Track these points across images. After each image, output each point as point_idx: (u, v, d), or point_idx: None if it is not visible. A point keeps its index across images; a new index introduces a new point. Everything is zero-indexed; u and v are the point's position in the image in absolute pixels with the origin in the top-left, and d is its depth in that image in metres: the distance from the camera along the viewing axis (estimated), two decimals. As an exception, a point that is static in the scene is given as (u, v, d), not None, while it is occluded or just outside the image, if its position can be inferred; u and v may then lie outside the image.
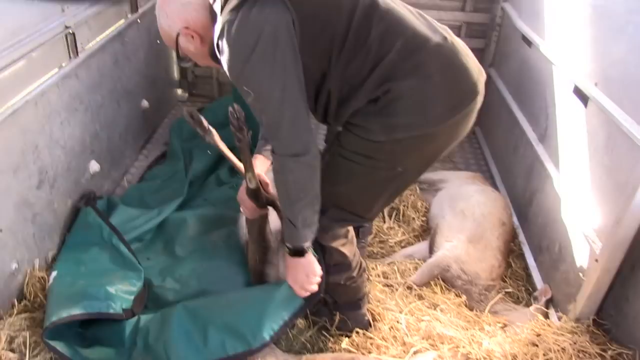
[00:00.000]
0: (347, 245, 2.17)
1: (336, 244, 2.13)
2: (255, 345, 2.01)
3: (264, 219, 2.31)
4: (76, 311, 2.16)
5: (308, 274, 1.99)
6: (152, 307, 2.40)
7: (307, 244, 1.92)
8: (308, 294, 2.06)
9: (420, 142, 1.85)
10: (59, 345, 2.09)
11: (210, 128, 2.08)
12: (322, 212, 1.98)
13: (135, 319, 2.24)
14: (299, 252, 1.93)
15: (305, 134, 1.73)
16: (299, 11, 1.63)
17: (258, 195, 2.13)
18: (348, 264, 2.20)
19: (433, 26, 1.81)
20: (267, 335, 2.04)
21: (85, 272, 2.42)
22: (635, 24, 2.12)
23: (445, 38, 1.77)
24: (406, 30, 1.72)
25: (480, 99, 1.88)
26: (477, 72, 1.86)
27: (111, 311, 2.21)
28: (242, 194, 2.17)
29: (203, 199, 3.17)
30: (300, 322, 2.40)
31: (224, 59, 1.67)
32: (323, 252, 2.15)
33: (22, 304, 2.34)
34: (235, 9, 1.62)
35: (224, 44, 1.65)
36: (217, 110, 3.58)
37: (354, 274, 2.25)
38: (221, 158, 3.11)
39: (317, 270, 2.00)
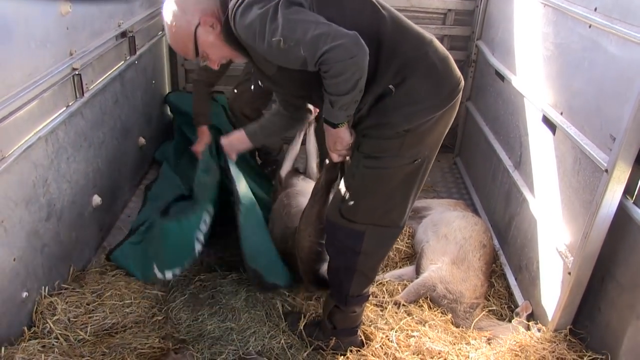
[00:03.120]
0: (372, 279, 2.39)
1: (369, 273, 2.35)
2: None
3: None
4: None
5: (335, 142, 2.17)
6: None
7: (338, 121, 2.04)
8: (339, 158, 2.29)
9: (431, 128, 2.06)
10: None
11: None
12: (361, 236, 2.21)
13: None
14: (331, 125, 2.07)
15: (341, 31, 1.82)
16: None
17: None
18: (367, 296, 2.43)
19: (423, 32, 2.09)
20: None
21: None
22: (590, 60, 2.37)
23: (433, 38, 2.07)
24: (412, 27, 2.02)
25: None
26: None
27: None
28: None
29: None
30: (297, 342, 2.55)
31: (247, 18, 1.84)
32: (350, 283, 2.33)
33: (31, 330, 2.45)
34: None
35: (244, 7, 1.84)
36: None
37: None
38: None
39: (345, 139, 2.15)
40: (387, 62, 1.96)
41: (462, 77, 2.11)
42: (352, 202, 2.17)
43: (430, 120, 2.03)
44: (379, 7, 1.98)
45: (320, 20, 1.83)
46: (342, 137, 2.13)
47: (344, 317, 2.44)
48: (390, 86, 1.97)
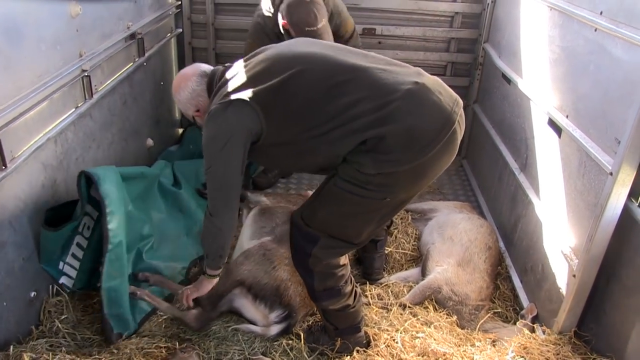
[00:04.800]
0: (338, 275, 2.36)
1: (328, 271, 2.33)
2: None
3: None
4: None
5: (196, 290, 2.55)
6: None
7: (209, 272, 2.46)
8: (187, 302, 2.57)
9: (407, 175, 2.07)
10: None
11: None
12: (315, 241, 2.24)
13: None
14: (207, 275, 2.48)
15: (225, 207, 2.23)
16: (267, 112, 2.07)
17: None
18: (337, 290, 2.38)
19: (401, 76, 2.08)
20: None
21: None
22: (595, 63, 2.38)
23: (415, 82, 2.04)
24: (371, 90, 2.05)
25: (459, 127, 2.08)
26: (452, 103, 2.08)
27: None
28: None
29: None
30: (298, 344, 2.55)
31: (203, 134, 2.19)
32: (312, 278, 2.35)
33: (39, 329, 2.47)
34: (215, 109, 2.13)
35: (205, 126, 2.18)
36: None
37: (350, 301, 2.42)
38: None
39: (204, 290, 2.54)
40: (343, 116, 2.04)
41: (451, 122, 2.03)
42: (312, 210, 2.26)
43: (404, 171, 2.05)
44: (345, 71, 2.08)
45: (226, 186, 2.19)
46: (206, 287, 2.52)
47: (338, 315, 2.45)
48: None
